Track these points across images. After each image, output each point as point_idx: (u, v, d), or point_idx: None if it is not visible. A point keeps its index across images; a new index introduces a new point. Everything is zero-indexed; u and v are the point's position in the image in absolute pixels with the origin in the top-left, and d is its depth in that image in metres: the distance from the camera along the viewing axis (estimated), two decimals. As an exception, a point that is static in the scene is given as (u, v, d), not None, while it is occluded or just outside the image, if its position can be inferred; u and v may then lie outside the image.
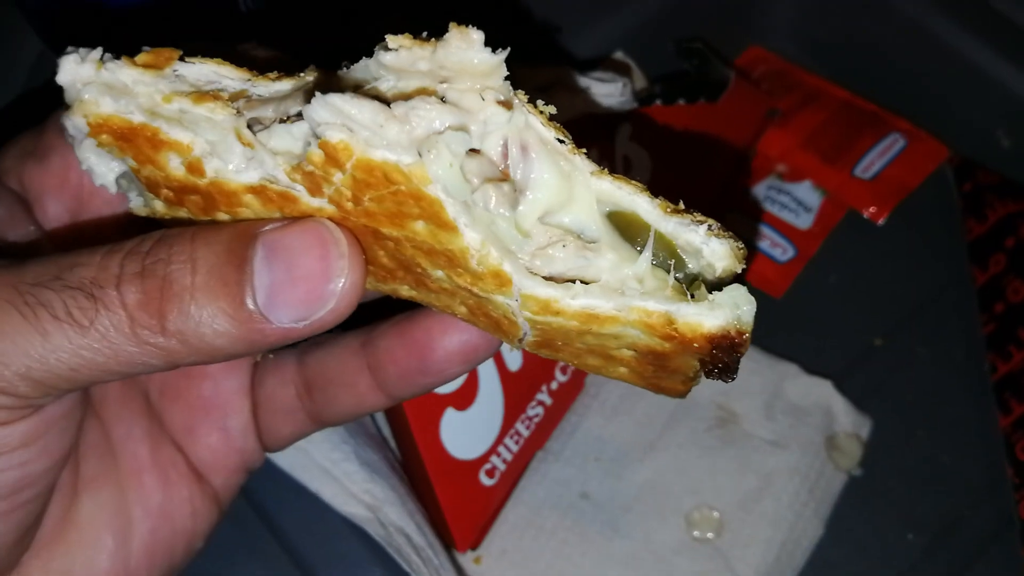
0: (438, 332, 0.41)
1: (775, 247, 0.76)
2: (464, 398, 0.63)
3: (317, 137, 0.33)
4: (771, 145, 0.79)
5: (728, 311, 0.33)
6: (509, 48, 0.33)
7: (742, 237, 0.35)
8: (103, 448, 0.42)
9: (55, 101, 0.41)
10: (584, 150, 0.34)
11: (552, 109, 0.34)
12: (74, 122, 0.36)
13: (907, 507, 0.68)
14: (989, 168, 0.75)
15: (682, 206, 0.35)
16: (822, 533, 0.67)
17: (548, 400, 0.68)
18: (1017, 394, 0.67)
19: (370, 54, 0.36)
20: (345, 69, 0.36)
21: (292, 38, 0.62)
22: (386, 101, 0.34)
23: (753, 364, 0.71)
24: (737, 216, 0.77)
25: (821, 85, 0.81)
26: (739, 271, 0.34)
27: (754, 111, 0.78)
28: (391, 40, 0.34)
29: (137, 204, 0.40)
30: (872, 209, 0.77)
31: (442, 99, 0.33)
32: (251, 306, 0.34)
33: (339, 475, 0.58)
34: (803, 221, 0.77)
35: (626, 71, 0.68)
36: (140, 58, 0.36)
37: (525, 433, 0.67)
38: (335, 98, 0.33)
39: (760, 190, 0.78)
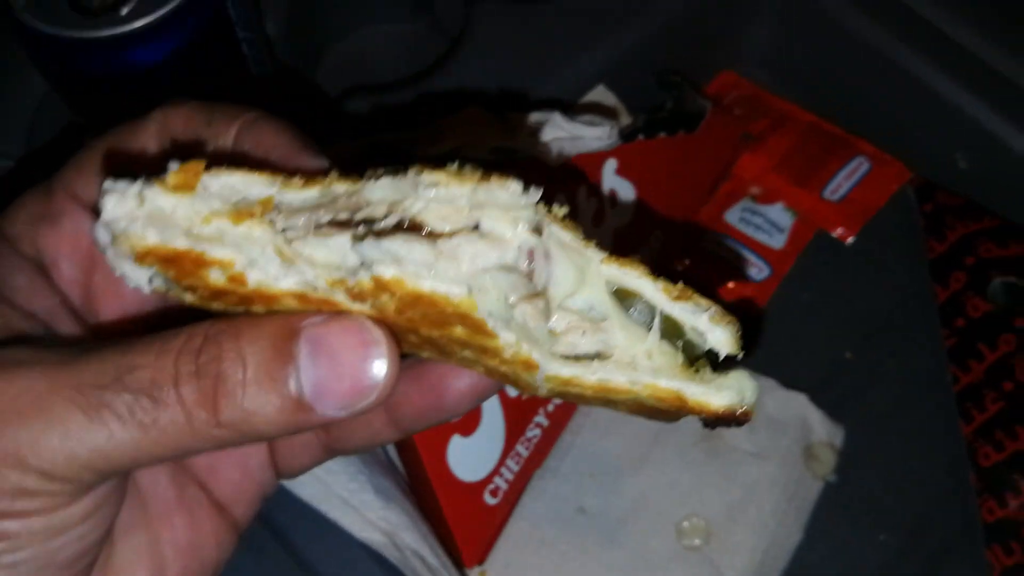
0: (451, 376, 0.44)
1: (752, 267, 0.81)
2: (468, 425, 0.67)
3: (366, 267, 0.35)
4: (745, 169, 0.84)
5: (734, 393, 0.37)
6: (541, 189, 0.36)
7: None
8: (134, 496, 0.44)
9: (61, 148, 0.44)
10: (595, 240, 0.38)
11: (566, 209, 0.37)
12: (116, 251, 0.37)
13: (879, 510, 0.73)
14: (948, 189, 0.80)
15: (682, 287, 0.38)
16: (802, 538, 0.72)
17: (545, 421, 0.72)
18: (977, 404, 0.72)
19: (394, 164, 0.38)
20: (373, 181, 0.38)
21: (298, 105, 0.65)
22: (420, 224, 0.36)
23: (734, 380, 0.75)
24: (713, 236, 0.82)
25: (790, 110, 0.86)
26: (738, 355, 0.37)
27: (729, 138, 0.82)
28: (430, 175, 0.36)
29: (164, 289, 0.41)
30: (840, 229, 0.82)
31: (476, 226, 0.36)
32: (299, 399, 0.37)
33: (356, 504, 0.62)
34: (776, 241, 0.82)
35: (611, 112, 0.72)
36: (171, 179, 0.37)
37: (525, 454, 0.71)
38: (389, 243, 0.35)
39: (735, 212, 0.83)
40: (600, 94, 0.78)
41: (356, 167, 0.65)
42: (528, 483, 0.72)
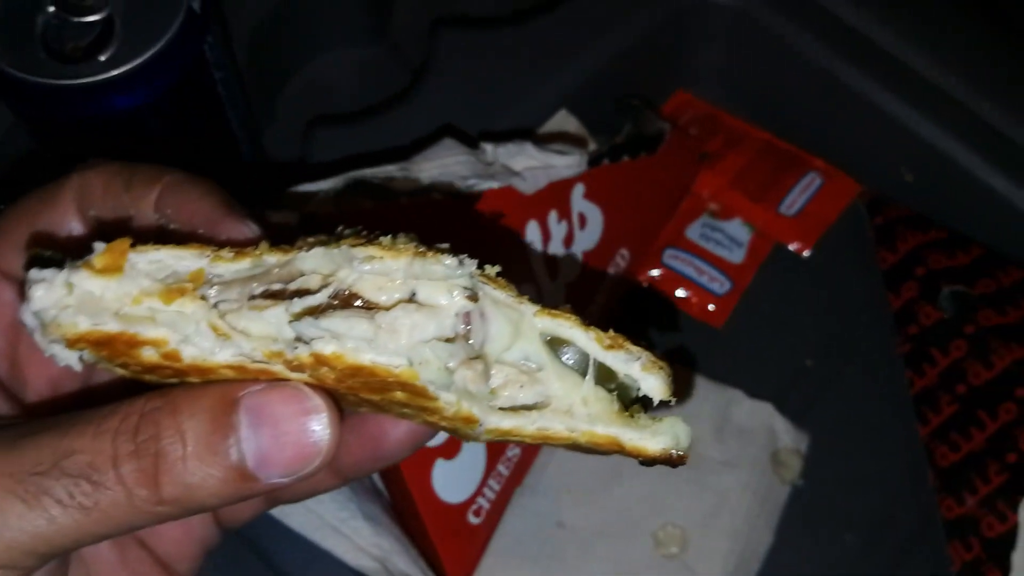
0: (389, 425, 0.45)
1: (713, 281, 0.84)
2: (452, 448, 0.69)
3: (305, 343, 0.36)
4: (703, 186, 0.87)
5: (669, 438, 0.39)
6: (476, 260, 0.37)
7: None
8: (77, 565, 0.44)
9: (25, 178, 0.43)
10: (527, 296, 0.39)
11: (498, 268, 0.38)
12: (46, 337, 0.37)
13: (844, 511, 0.76)
14: (897, 202, 0.84)
15: (613, 335, 0.39)
16: (773, 540, 0.75)
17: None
18: (933, 407, 0.76)
19: (327, 233, 0.38)
20: (304, 251, 0.38)
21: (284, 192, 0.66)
22: (355, 295, 0.37)
23: (703, 392, 0.78)
24: (675, 252, 0.85)
25: (744, 128, 0.89)
26: (671, 401, 0.39)
27: (688, 157, 0.85)
28: (364, 249, 0.36)
29: (96, 363, 0.40)
30: (797, 243, 0.85)
31: (412, 295, 0.37)
32: (242, 469, 0.37)
33: (348, 532, 0.64)
34: (736, 256, 0.85)
35: (580, 140, 0.74)
36: (97, 262, 0.37)
37: (505, 473, 0.73)
38: (328, 322, 0.36)
39: (695, 228, 0.86)
40: (562, 118, 0.81)
41: (337, 206, 0.67)
42: (509, 501, 0.74)
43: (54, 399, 0.47)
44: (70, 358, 0.38)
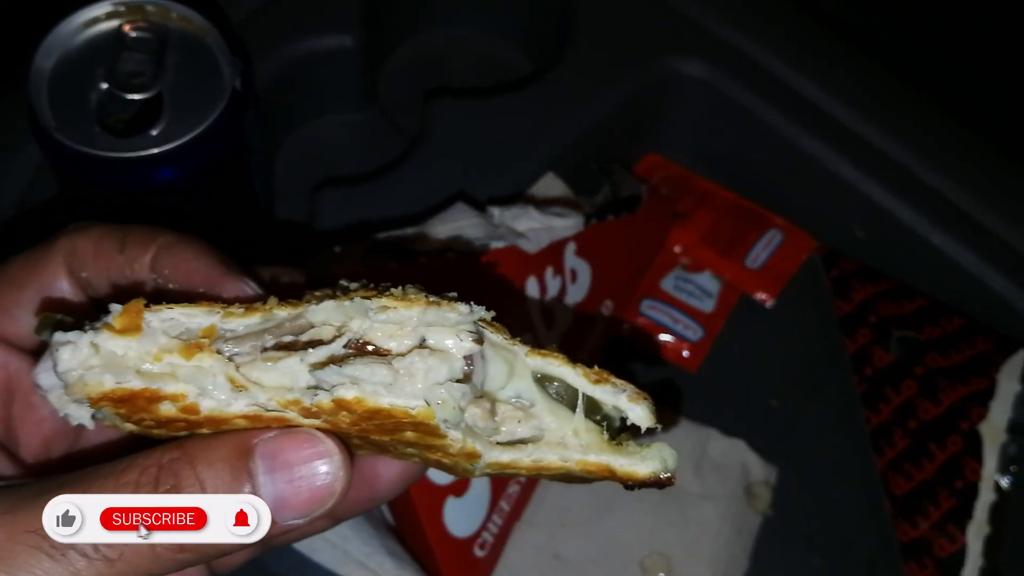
0: (382, 467, 0.46)
1: (687, 329, 0.91)
2: (461, 486, 0.75)
3: (326, 390, 0.38)
4: (675, 242, 0.95)
5: (658, 463, 0.42)
6: (483, 307, 0.40)
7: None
8: None
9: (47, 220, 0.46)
10: (519, 338, 0.42)
11: (493, 313, 0.41)
12: (64, 397, 0.38)
13: (810, 537, 0.84)
14: (850, 256, 0.93)
15: (598, 371, 0.42)
16: (748, 566, 0.82)
17: (522, 477, 0.81)
18: (888, 441, 0.84)
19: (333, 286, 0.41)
20: (314, 305, 0.40)
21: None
22: (368, 343, 0.39)
23: (682, 431, 0.86)
24: (652, 303, 0.92)
25: (712, 188, 0.98)
26: (657, 428, 0.42)
27: (663, 216, 0.93)
28: (379, 300, 0.39)
29: (108, 423, 0.41)
30: (761, 293, 0.94)
31: (423, 341, 0.39)
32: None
33: (373, 567, 0.69)
34: (707, 305, 0.93)
35: (575, 204, 0.82)
36: (117, 322, 0.38)
37: (506, 508, 0.79)
38: (351, 369, 0.38)
39: (670, 280, 0.94)
40: (549, 181, 0.88)
41: (365, 264, 0.73)
42: (510, 534, 0.81)
43: (48, 460, 0.48)
44: (83, 417, 0.39)
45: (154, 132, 0.65)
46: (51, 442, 0.48)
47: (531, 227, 0.75)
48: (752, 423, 0.88)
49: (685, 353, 0.91)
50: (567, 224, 0.76)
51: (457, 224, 0.74)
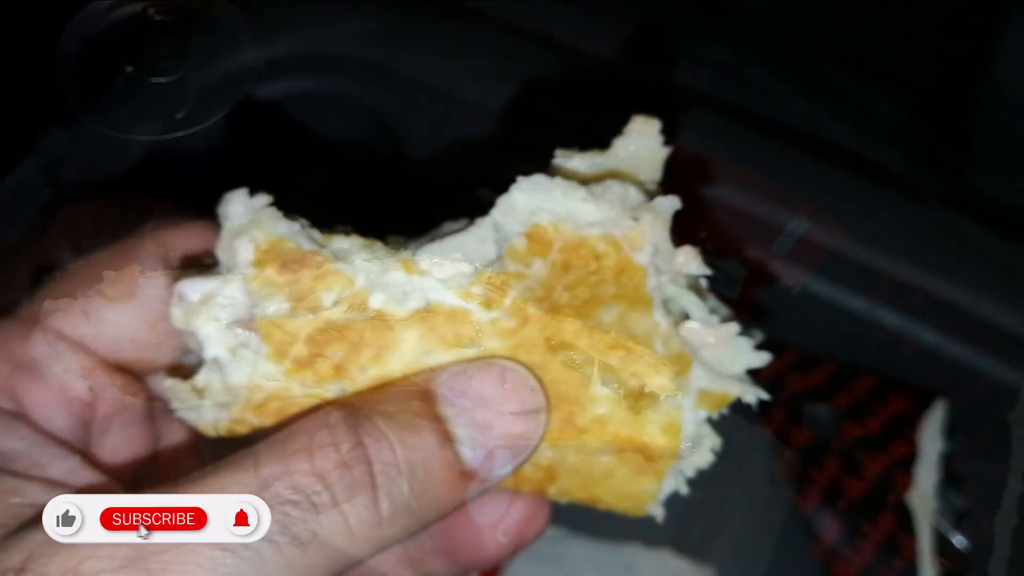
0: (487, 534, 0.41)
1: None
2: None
3: (507, 237, 0.35)
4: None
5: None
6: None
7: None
8: None
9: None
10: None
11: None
12: (234, 250, 0.36)
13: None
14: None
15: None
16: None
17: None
18: (822, 525, 0.79)
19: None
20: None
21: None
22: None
23: (602, 557, 0.81)
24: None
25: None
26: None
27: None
28: (563, 153, 0.39)
29: (206, 419, 0.39)
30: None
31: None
32: (458, 463, 0.33)
33: None
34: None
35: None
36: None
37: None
38: (539, 177, 0.36)
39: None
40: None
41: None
42: None
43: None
44: (217, 349, 0.36)
45: (179, 116, 0.64)
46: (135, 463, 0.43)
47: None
48: (680, 525, 0.83)
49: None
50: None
51: None
